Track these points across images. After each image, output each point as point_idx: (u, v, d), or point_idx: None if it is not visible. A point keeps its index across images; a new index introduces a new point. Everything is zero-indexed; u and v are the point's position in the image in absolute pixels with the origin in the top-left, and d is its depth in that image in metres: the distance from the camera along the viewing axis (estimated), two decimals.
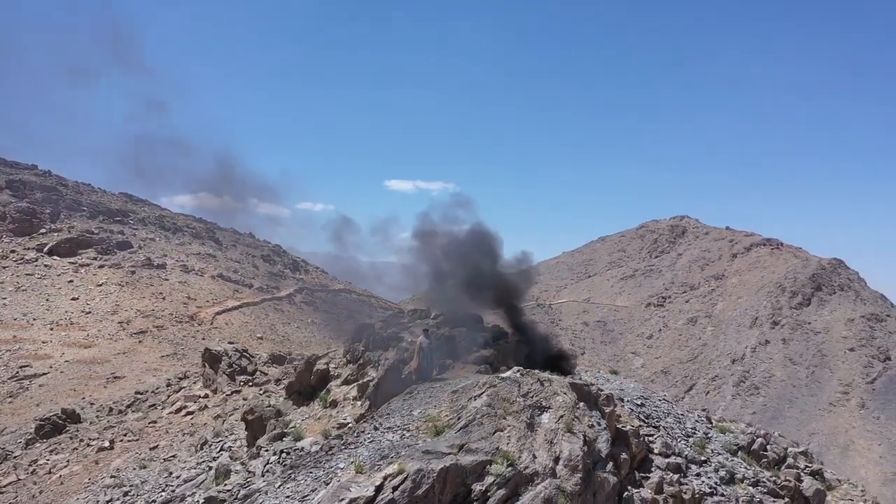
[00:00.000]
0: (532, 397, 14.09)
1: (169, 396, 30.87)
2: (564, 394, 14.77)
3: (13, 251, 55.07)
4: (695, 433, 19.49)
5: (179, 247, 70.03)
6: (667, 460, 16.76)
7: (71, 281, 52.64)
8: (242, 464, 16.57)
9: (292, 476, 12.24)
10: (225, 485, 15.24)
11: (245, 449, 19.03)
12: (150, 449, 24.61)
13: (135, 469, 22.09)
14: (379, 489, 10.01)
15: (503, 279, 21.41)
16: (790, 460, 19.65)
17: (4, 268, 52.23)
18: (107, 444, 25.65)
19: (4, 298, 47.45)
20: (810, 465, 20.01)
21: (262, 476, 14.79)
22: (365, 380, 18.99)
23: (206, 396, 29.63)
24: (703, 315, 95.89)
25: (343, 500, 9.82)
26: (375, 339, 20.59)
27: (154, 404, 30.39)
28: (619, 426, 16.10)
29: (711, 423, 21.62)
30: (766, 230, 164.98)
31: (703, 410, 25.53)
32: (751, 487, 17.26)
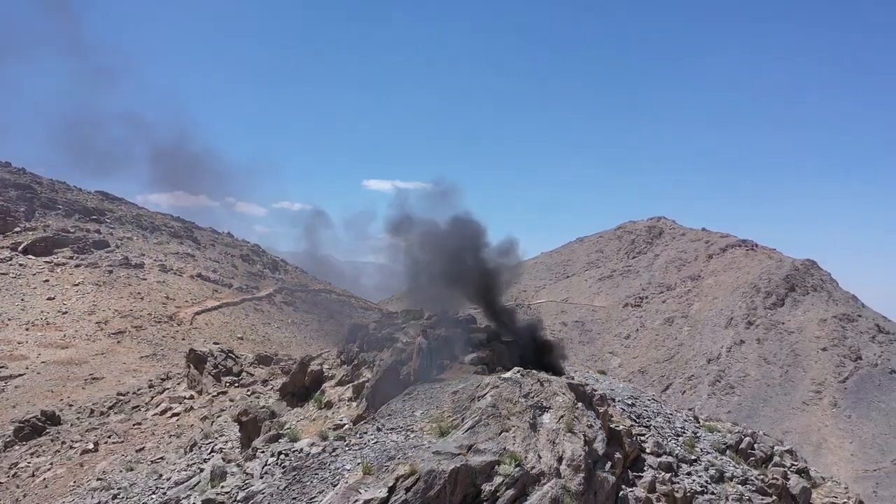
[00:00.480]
0: (533, 398, 14.23)
1: (153, 398, 30.37)
2: (563, 394, 14.93)
3: None
4: (684, 433, 19.83)
5: (157, 246, 69.05)
6: (658, 459, 17.04)
7: (47, 280, 51.55)
8: (238, 465, 16.39)
9: (297, 478, 12.20)
10: (222, 487, 15.08)
11: (238, 450, 18.85)
12: (137, 451, 24.19)
13: (122, 471, 21.68)
14: (392, 490, 10.03)
15: (487, 271, 20.34)
16: (777, 459, 20.10)
17: None
18: (91, 446, 25.18)
19: None
20: (796, 463, 20.48)
21: (261, 478, 14.67)
22: (360, 381, 18.95)
23: (192, 397, 29.22)
24: (679, 315, 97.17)
25: (356, 501, 9.82)
26: (370, 340, 20.54)
27: (137, 406, 29.87)
28: (612, 426, 16.34)
29: (699, 422, 22.01)
30: (741, 231, 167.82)
31: (690, 410, 25.95)
32: (740, 486, 17.65)
